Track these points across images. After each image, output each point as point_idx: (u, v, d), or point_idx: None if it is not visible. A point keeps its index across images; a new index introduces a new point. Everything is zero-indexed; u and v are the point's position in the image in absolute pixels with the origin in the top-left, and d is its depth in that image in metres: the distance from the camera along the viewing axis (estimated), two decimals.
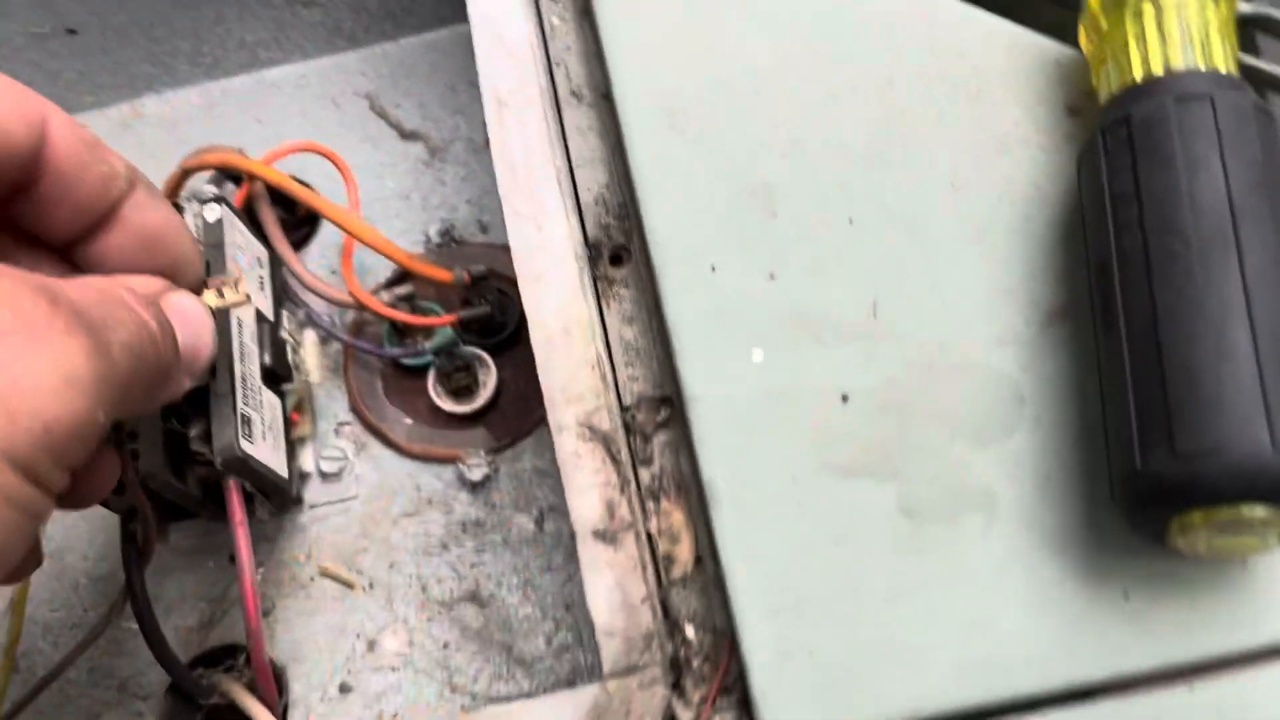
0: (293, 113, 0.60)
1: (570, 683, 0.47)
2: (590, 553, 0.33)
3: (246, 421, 0.44)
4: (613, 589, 0.33)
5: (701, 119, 0.38)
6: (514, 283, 0.55)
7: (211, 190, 0.48)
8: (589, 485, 0.34)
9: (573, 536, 0.33)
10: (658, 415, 0.36)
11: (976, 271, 0.35)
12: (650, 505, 0.35)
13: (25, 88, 0.31)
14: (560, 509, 0.50)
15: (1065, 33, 0.38)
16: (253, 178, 0.51)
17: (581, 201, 0.40)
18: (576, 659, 0.47)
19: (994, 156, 0.37)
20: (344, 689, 0.48)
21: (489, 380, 0.52)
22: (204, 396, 0.42)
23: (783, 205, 0.37)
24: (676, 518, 0.35)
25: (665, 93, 0.39)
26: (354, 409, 0.54)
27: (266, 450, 0.46)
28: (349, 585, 0.50)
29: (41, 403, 0.25)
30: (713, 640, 0.33)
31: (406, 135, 0.59)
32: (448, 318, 0.51)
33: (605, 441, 0.34)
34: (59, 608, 0.51)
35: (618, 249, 0.39)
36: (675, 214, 0.37)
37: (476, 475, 0.51)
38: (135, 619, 0.43)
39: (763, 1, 0.39)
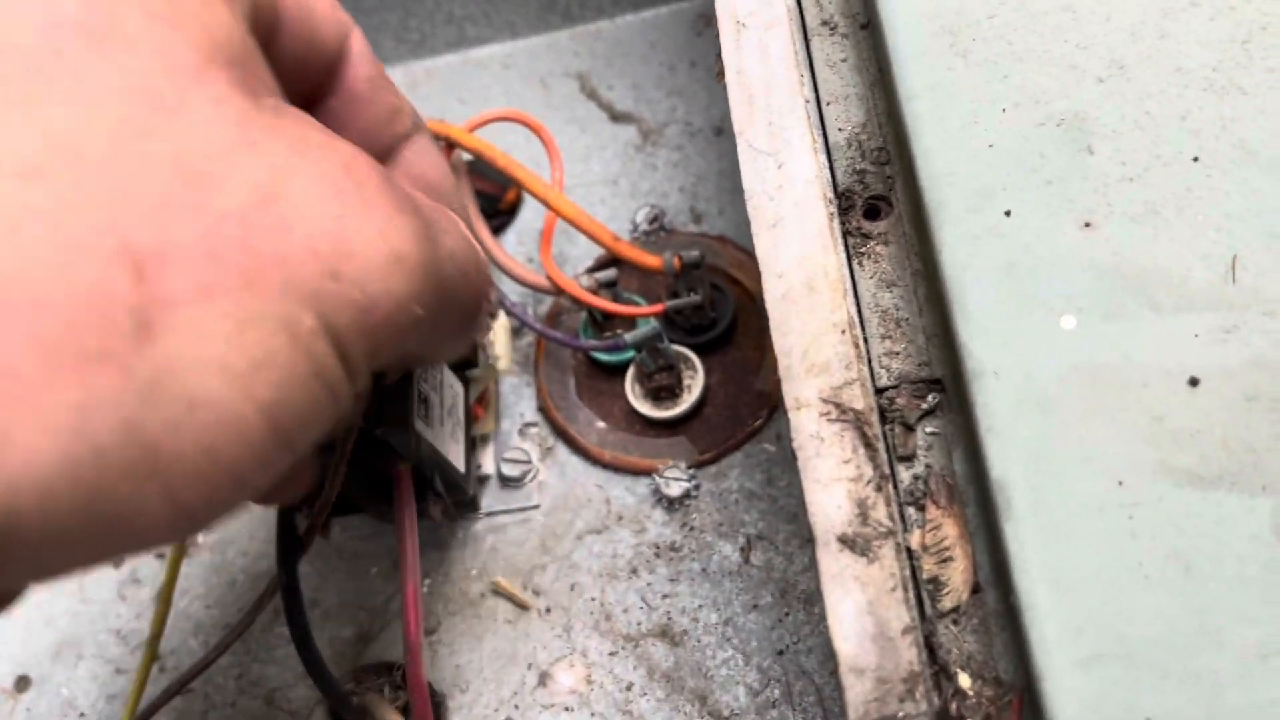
0: (497, 93, 0.56)
1: None
2: (834, 564, 0.25)
3: (424, 401, 0.39)
4: (863, 613, 0.25)
5: (993, 38, 0.30)
6: (729, 276, 0.49)
7: None
8: (834, 478, 0.26)
9: (806, 567, 0.26)
10: (923, 401, 0.28)
11: None
12: (911, 513, 0.27)
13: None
14: (771, 538, 0.42)
15: None
16: (451, 144, 0.46)
17: (830, 143, 0.33)
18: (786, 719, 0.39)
19: None
20: None
21: (694, 383, 0.46)
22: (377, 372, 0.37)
23: (1101, 140, 0.28)
24: (949, 531, 0.27)
25: (944, 9, 0.31)
26: (542, 408, 0.48)
27: (444, 437, 0.40)
28: (523, 607, 0.44)
29: (366, 273, 0.22)
30: (994, 695, 0.25)
31: (618, 117, 0.54)
32: (653, 307, 0.45)
33: (858, 424, 0.27)
34: (213, 604, 0.47)
35: (874, 200, 0.32)
36: (957, 148, 0.29)
37: (675, 491, 0.44)
38: (285, 616, 0.37)
39: None
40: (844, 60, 0.34)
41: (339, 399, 0.23)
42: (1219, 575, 0.23)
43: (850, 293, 0.29)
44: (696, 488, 0.44)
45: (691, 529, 0.44)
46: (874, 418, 0.27)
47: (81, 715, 0.45)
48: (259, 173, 0.21)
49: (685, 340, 0.46)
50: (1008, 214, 0.28)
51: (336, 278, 0.22)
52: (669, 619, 0.42)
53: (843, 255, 0.30)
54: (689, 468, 0.44)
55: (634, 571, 0.43)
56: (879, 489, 0.26)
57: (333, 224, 0.22)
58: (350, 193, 0.23)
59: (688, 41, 0.55)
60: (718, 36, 0.34)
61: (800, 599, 0.41)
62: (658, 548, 0.44)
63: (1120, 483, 0.24)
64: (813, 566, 0.26)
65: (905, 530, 0.27)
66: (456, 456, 0.41)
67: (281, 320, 0.21)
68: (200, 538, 0.48)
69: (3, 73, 0.19)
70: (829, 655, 0.25)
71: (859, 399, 0.27)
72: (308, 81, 0.29)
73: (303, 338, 0.21)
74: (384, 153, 0.31)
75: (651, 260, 0.45)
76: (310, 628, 0.37)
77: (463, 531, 0.46)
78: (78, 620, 0.48)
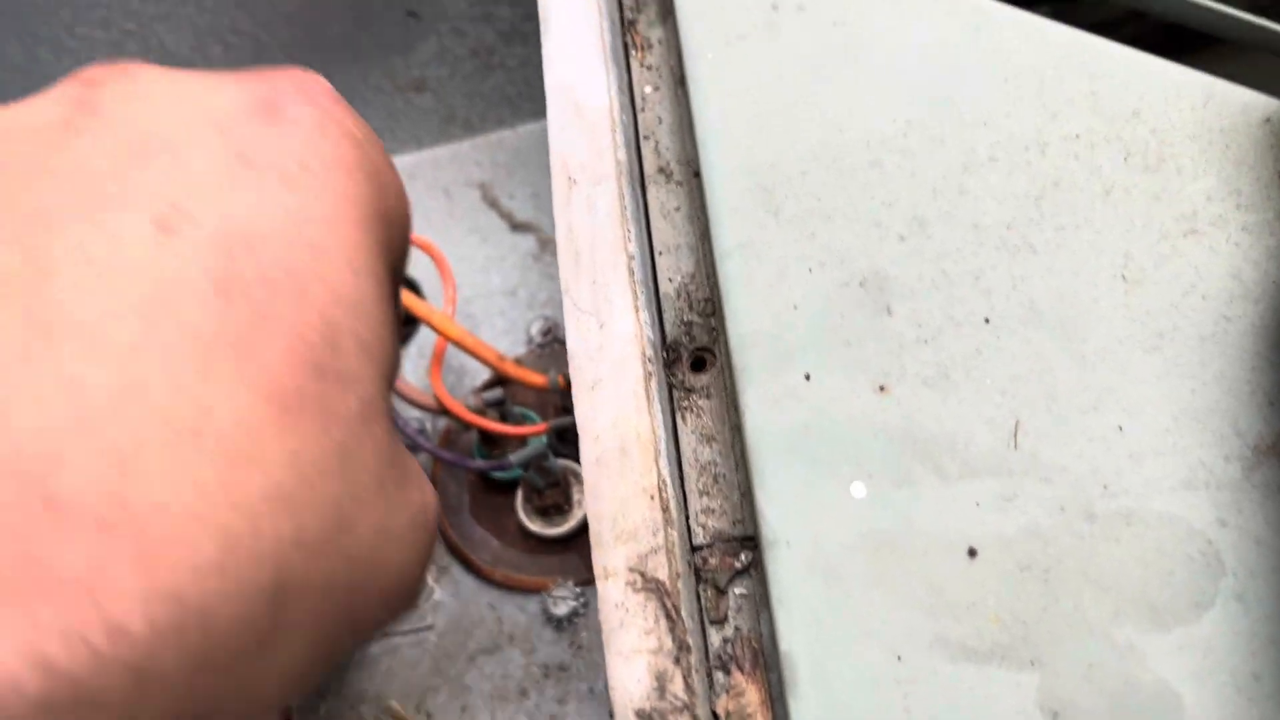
0: None
1: None
2: None
3: None
4: None
5: (804, 195, 0.31)
6: None
7: None
8: (636, 650, 0.27)
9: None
10: (736, 560, 0.29)
11: (1154, 389, 0.26)
12: (720, 678, 0.28)
13: None
14: None
15: (1277, 84, 0.30)
16: None
17: (661, 293, 0.34)
18: None
19: (1178, 239, 0.28)
20: None
21: (583, 498, 0.46)
22: None
23: (899, 300, 0.29)
24: (751, 697, 0.27)
25: (761, 165, 0.32)
26: (438, 527, 0.48)
27: None
28: None
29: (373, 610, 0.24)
30: None
31: (517, 227, 0.55)
32: (538, 426, 0.46)
33: (660, 594, 0.27)
34: None
35: (700, 351, 0.32)
36: (763, 308, 0.30)
37: (562, 610, 0.44)
38: None
39: (883, 57, 0.33)
40: (677, 209, 0.35)
41: None
42: None
43: (665, 454, 0.30)
44: (584, 605, 0.45)
45: (580, 648, 0.44)
46: (679, 585, 0.28)
47: None
48: (378, 516, 0.23)
49: (575, 455, 0.47)
50: (807, 377, 0.29)
51: (383, 596, 0.23)
52: None
53: (659, 416, 0.30)
54: (578, 585, 0.45)
55: (523, 693, 0.44)
56: (677, 661, 0.27)
57: (402, 570, 0.23)
58: (422, 541, 0.24)
59: None
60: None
61: None
62: (547, 668, 0.44)
63: (899, 657, 0.25)
64: None
65: (712, 695, 0.27)
66: None
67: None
68: None
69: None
70: None
71: (663, 568, 0.28)
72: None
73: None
74: None
75: (537, 379, 0.45)
76: None
77: (358, 653, 0.46)
78: None
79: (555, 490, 0.46)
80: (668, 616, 0.27)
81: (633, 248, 0.33)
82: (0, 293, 0.18)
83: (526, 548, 0.47)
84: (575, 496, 0.46)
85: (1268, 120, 0.29)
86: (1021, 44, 0.32)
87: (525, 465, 0.45)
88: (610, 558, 0.28)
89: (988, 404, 0.27)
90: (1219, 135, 0.29)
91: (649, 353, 0.31)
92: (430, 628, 0.46)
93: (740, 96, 0.34)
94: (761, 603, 0.28)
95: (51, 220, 0.19)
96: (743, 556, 0.29)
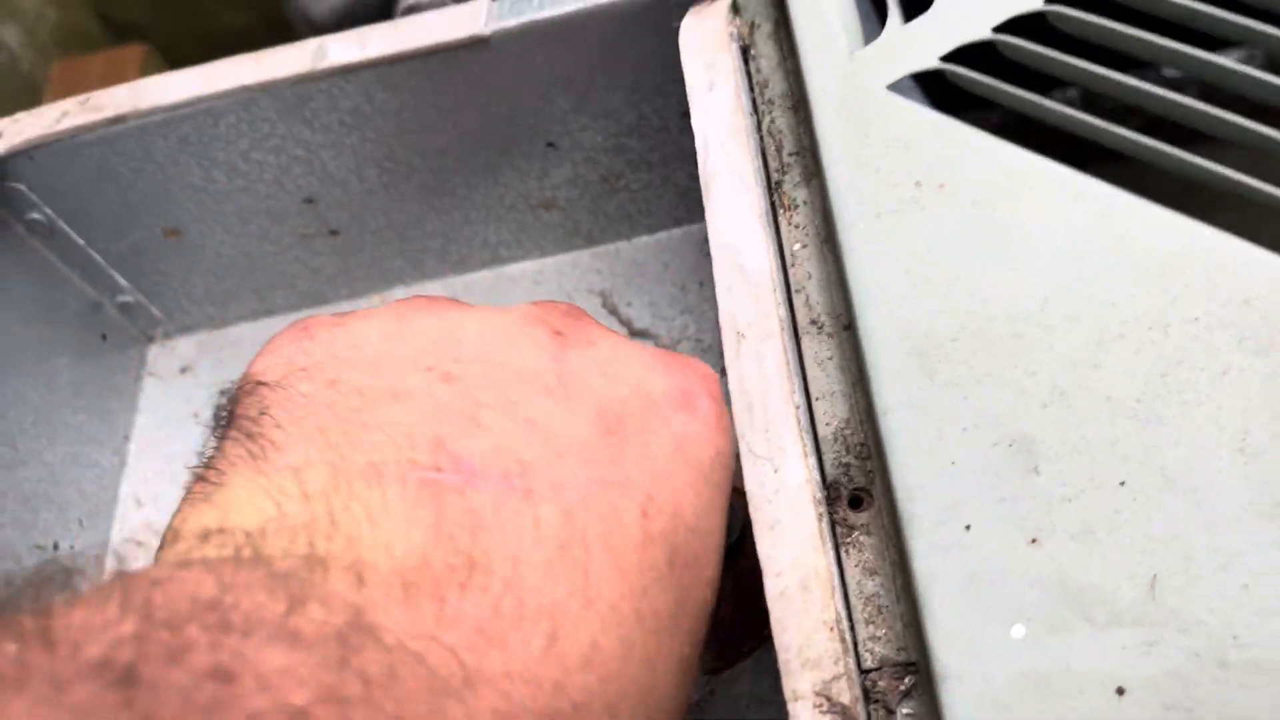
0: None
1: None
2: None
3: None
4: None
5: (955, 361, 0.36)
6: (740, 492, 0.54)
7: None
8: None
9: None
10: (901, 684, 0.34)
11: (1275, 554, 0.31)
12: None
13: None
14: None
15: None
16: None
17: (819, 436, 0.38)
18: None
19: None
20: None
21: None
22: None
23: (1046, 462, 0.34)
24: None
25: (915, 332, 0.37)
26: None
27: None
28: None
29: None
30: None
31: (636, 333, 0.60)
32: None
33: (844, 717, 0.32)
34: None
35: (858, 491, 0.37)
36: (925, 465, 0.35)
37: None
38: None
39: (1020, 237, 0.38)
40: (830, 359, 0.40)
41: None
42: None
43: (838, 588, 0.34)
44: (710, 694, 0.49)
45: None
46: (859, 708, 0.32)
47: None
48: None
49: None
50: (968, 528, 0.33)
51: None
52: None
53: (831, 554, 0.35)
54: (704, 674, 0.49)
55: None
56: None
57: None
58: None
59: (697, 262, 0.61)
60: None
61: None
62: None
63: None
64: None
65: None
66: None
67: None
68: None
69: None
70: None
71: (845, 692, 0.32)
72: None
73: None
74: None
75: None
76: None
77: None
78: None
79: None
80: None
81: (798, 398, 0.38)
82: (548, 548, 0.23)
83: None
84: None
85: None
86: (1143, 231, 0.37)
87: None
88: (799, 683, 0.33)
89: (1129, 560, 0.32)
90: None
91: (818, 495, 0.36)
92: None
93: (891, 266, 0.38)
94: None
95: (573, 484, 0.24)
96: (907, 680, 0.34)
